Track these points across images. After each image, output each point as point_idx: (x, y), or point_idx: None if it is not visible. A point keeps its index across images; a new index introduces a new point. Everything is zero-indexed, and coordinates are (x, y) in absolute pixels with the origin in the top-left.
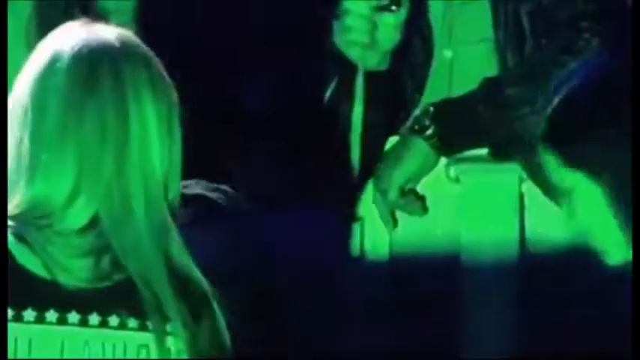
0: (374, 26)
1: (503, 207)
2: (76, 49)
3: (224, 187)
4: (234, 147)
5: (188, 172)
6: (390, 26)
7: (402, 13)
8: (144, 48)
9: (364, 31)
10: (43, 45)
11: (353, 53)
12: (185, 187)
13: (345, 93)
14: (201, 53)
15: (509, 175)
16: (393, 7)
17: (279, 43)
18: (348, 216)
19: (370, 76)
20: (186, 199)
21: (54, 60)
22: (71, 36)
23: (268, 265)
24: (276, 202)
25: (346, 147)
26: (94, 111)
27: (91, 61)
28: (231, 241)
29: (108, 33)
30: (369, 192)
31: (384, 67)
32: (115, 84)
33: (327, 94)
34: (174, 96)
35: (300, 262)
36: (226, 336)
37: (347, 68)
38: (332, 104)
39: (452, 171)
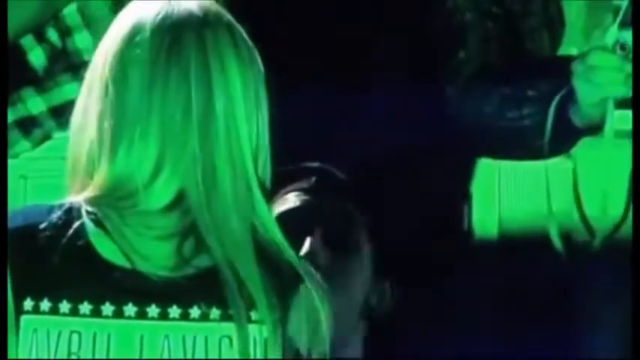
0: None
1: (614, 183)
2: (157, 20)
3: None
4: None
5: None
6: None
7: None
8: (228, 16)
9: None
10: (123, 16)
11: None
12: (308, 163)
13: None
14: None
15: (622, 150)
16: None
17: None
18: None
19: None
20: (310, 170)
21: (135, 32)
22: (152, 6)
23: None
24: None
25: None
26: (177, 83)
27: (174, 32)
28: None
29: (189, 2)
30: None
31: None
32: (198, 55)
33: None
34: (260, 65)
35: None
36: (321, 316)
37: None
38: None
39: None
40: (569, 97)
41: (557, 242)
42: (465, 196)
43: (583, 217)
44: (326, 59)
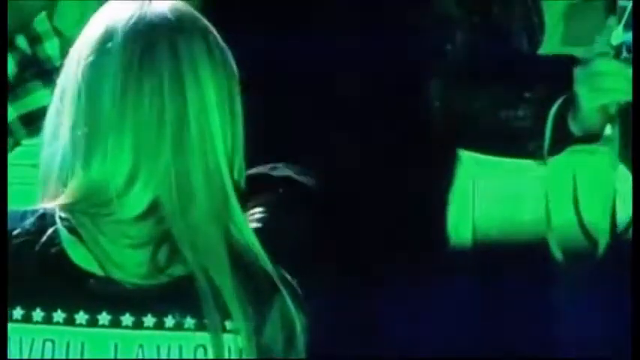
0: None
1: (593, 190)
2: (130, 25)
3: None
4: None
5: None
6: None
7: None
8: (202, 20)
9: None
10: (95, 20)
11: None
12: (273, 168)
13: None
14: None
15: (599, 156)
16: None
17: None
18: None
19: None
20: (275, 181)
21: (107, 38)
22: (124, 11)
23: (353, 249)
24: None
25: None
26: (150, 91)
27: (146, 39)
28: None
29: (162, 6)
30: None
31: None
32: (171, 63)
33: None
34: (234, 69)
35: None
36: (296, 327)
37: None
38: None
39: None
40: (569, 103)
41: (557, 252)
42: (444, 194)
43: (582, 225)
44: (310, 63)
